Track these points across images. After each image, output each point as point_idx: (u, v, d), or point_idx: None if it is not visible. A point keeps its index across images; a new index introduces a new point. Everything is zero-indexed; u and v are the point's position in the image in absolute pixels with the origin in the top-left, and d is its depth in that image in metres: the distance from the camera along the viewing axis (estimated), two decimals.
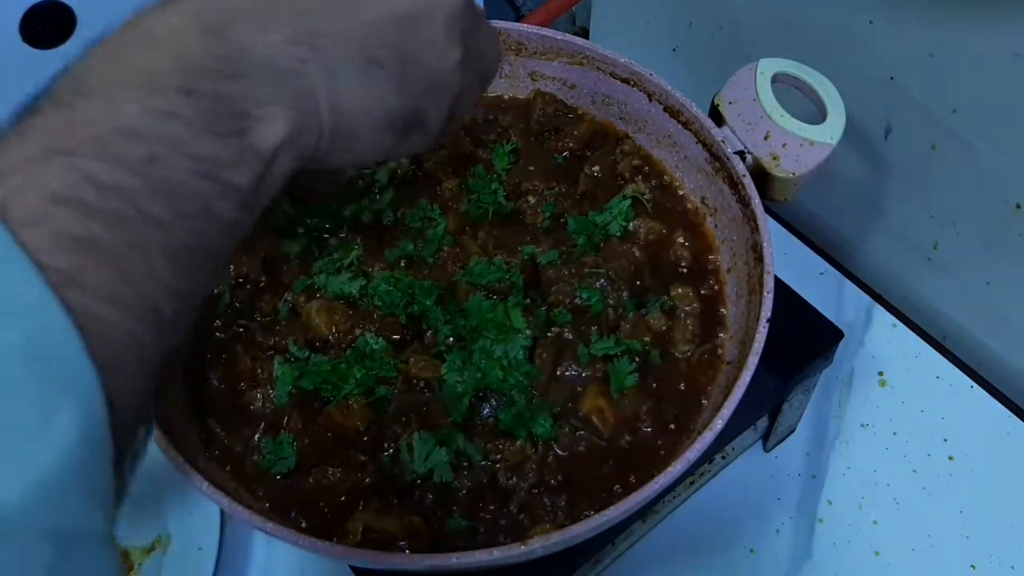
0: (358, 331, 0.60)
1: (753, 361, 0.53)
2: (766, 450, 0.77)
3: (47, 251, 0.28)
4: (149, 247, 0.31)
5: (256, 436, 0.57)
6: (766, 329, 0.55)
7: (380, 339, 0.59)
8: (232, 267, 0.63)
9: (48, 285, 0.28)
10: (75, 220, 0.29)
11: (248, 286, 0.63)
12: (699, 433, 0.52)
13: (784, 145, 0.64)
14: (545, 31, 0.71)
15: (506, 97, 0.75)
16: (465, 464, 0.56)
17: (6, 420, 0.26)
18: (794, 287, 0.69)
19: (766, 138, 0.64)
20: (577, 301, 0.62)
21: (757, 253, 0.60)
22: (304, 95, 0.36)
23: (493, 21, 0.71)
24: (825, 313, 0.69)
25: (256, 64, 0.35)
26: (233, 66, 0.34)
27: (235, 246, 0.37)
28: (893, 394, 0.80)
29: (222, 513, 0.73)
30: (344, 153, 0.40)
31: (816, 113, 0.66)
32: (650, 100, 0.69)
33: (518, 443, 0.56)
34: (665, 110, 0.68)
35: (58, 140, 0.30)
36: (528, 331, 0.59)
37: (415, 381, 0.59)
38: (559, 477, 0.56)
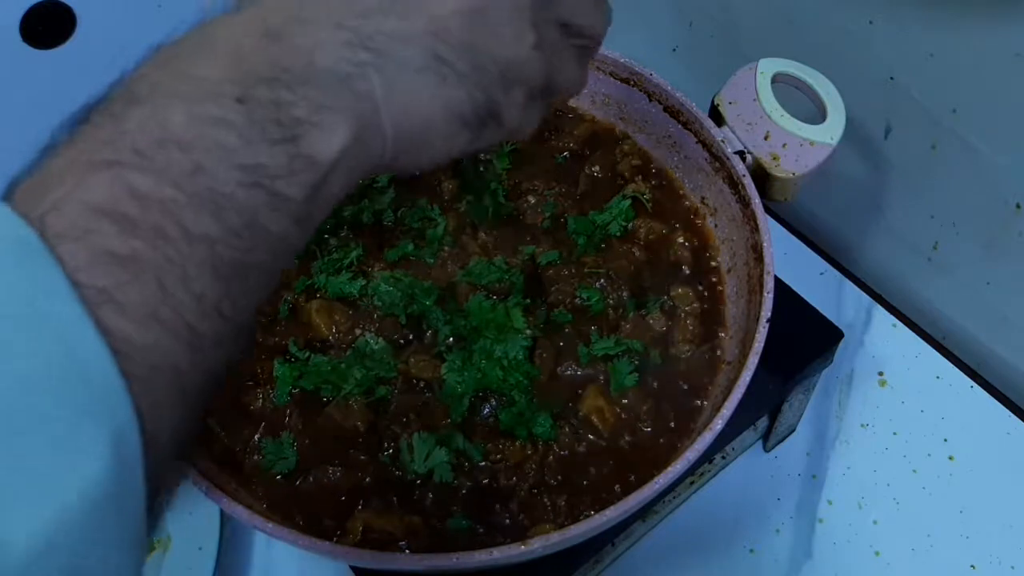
0: (358, 331, 0.60)
1: (753, 361, 0.53)
2: (766, 450, 0.77)
3: (84, 268, 0.27)
4: (193, 264, 0.29)
5: (256, 436, 0.57)
6: (766, 329, 0.55)
7: (380, 339, 0.59)
8: None
9: (82, 304, 0.26)
10: (115, 235, 0.28)
11: None
12: (699, 433, 0.52)
13: (784, 145, 0.64)
14: None
15: None
16: (465, 464, 0.56)
17: (30, 451, 0.25)
18: (794, 287, 0.69)
19: (766, 138, 0.64)
20: (577, 301, 0.62)
21: (757, 253, 0.60)
22: (366, 101, 0.34)
23: None
24: (825, 313, 0.69)
25: (317, 70, 0.33)
26: (292, 72, 0.33)
27: (290, 262, 0.35)
28: (893, 394, 0.80)
29: (222, 513, 0.73)
30: (414, 157, 0.38)
31: (816, 113, 0.66)
32: (650, 100, 0.69)
33: (518, 443, 0.56)
34: (665, 110, 0.68)
35: (103, 151, 0.29)
36: (528, 331, 0.59)
37: (415, 381, 0.59)
38: (559, 477, 0.56)
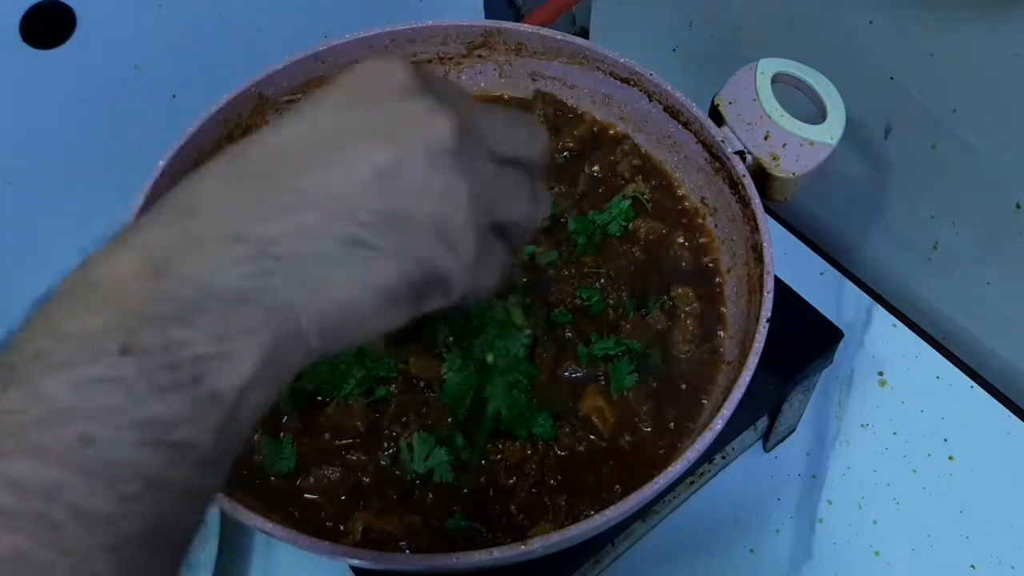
0: None
1: (753, 361, 0.53)
2: (766, 450, 0.77)
3: None
4: (88, 551, 0.26)
5: (256, 436, 0.57)
6: (766, 329, 0.55)
7: (380, 339, 0.59)
8: None
9: None
10: None
11: None
12: (699, 433, 0.52)
13: (784, 145, 0.64)
14: (545, 31, 0.71)
15: (506, 97, 0.75)
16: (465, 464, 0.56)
17: None
18: (794, 287, 0.69)
19: (766, 138, 0.64)
20: (577, 301, 0.62)
21: (757, 253, 0.60)
22: (278, 312, 0.31)
23: (493, 21, 0.72)
24: (825, 313, 0.69)
25: (213, 296, 0.30)
26: (185, 305, 0.29)
27: (206, 506, 0.31)
28: (893, 394, 0.80)
29: (222, 513, 0.73)
30: (347, 340, 0.34)
31: (816, 113, 0.66)
32: (650, 100, 0.69)
33: (518, 443, 0.56)
34: (665, 110, 0.68)
35: None
36: (528, 331, 0.59)
37: (415, 381, 0.59)
38: (559, 477, 0.56)
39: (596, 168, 0.70)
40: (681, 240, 0.66)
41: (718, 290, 0.65)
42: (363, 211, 0.32)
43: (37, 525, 0.26)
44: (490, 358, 0.58)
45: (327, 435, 0.57)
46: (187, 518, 0.30)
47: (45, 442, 0.27)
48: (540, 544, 0.48)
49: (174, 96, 0.79)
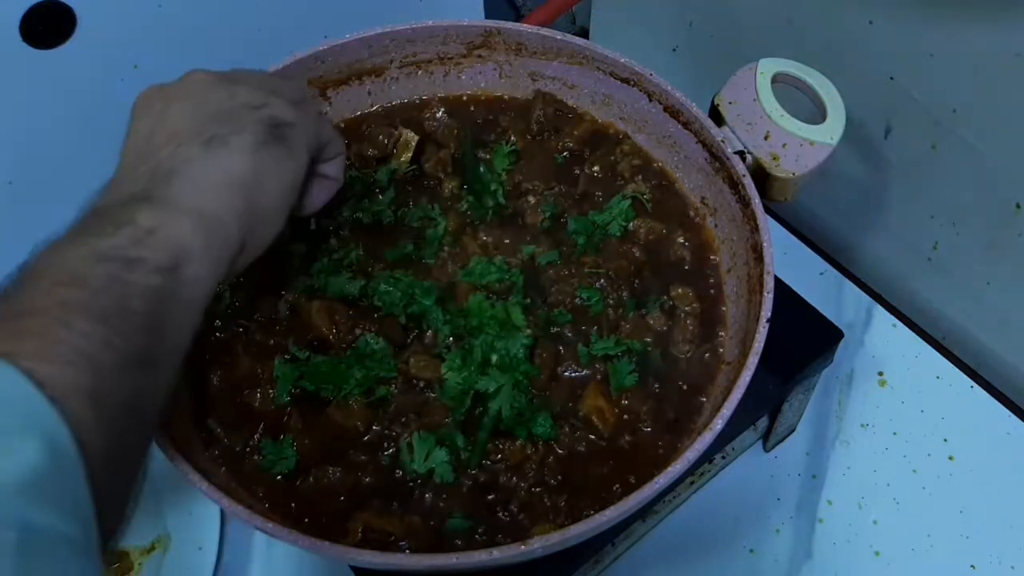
0: (358, 331, 0.60)
1: (753, 361, 0.53)
2: (766, 450, 0.77)
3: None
4: (75, 315, 0.38)
5: (256, 436, 0.57)
6: (766, 329, 0.55)
7: (380, 339, 0.59)
8: None
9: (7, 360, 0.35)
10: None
11: (248, 286, 0.63)
12: (699, 433, 0.52)
13: (784, 145, 0.64)
14: (545, 31, 0.71)
15: (506, 97, 0.75)
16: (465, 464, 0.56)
17: None
18: (794, 287, 0.69)
19: (766, 138, 0.64)
20: (577, 301, 0.62)
21: (757, 253, 0.60)
22: (181, 201, 0.45)
23: (493, 21, 0.72)
24: (825, 313, 0.69)
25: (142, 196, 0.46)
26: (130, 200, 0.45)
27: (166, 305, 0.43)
28: (893, 394, 0.80)
29: (222, 513, 0.73)
30: (266, 205, 0.50)
31: (816, 113, 0.66)
32: (650, 100, 0.69)
33: (518, 443, 0.56)
34: (665, 110, 0.68)
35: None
36: (528, 331, 0.59)
37: (415, 381, 0.59)
38: (559, 477, 0.56)
39: (596, 168, 0.70)
40: (681, 240, 0.66)
41: (718, 290, 0.65)
42: (199, 124, 0.48)
43: (57, 323, 0.38)
44: (494, 358, 0.58)
45: (327, 435, 0.57)
46: (146, 305, 0.41)
47: (23, 292, 0.39)
48: (540, 544, 0.48)
49: None
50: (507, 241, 0.66)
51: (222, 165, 0.47)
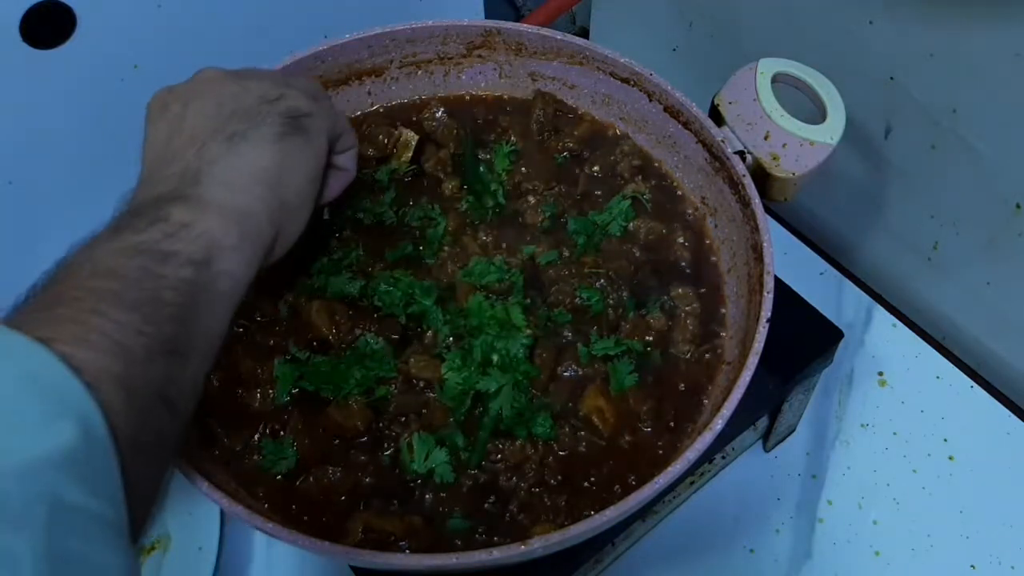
0: (358, 331, 0.60)
1: (753, 361, 0.53)
2: (766, 450, 0.77)
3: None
4: (106, 304, 0.39)
5: (256, 436, 0.57)
6: (766, 329, 0.55)
7: (380, 339, 0.59)
8: None
9: (30, 338, 0.36)
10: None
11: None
12: (699, 433, 0.52)
13: (784, 145, 0.64)
14: (545, 31, 0.71)
15: (506, 97, 0.75)
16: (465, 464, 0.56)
17: (11, 421, 0.33)
18: (794, 287, 0.69)
19: (766, 138, 0.64)
20: (577, 301, 0.62)
21: (757, 253, 0.60)
22: (215, 199, 0.47)
23: (493, 21, 0.72)
24: (825, 313, 0.69)
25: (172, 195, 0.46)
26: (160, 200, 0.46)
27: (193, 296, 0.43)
28: (893, 394, 0.80)
29: (222, 513, 0.73)
30: (293, 194, 0.51)
31: (816, 113, 0.66)
32: (650, 100, 0.69)
33: (518, 443, 0.56)
34: (665, 110, 0.68)
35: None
36: (528, 331, 0.59)
37: (415, 381, 0.59)
38: (559, 477, 0.56)
39: (596, 168, 0.70)
40: (681, 240, 0.66)
41: (718, 290, 0.65)
42: (218, 122, 0.49)
43: (86, 310, 0.39)
44: (494, 358, 0.58)
45: (327, 435, 0.57)
46: (174, 296, 0.42)
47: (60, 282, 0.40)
48: (540, 544, 0.48)
49: None
50: (507, 241, 0.66)
51: (247, 160, 0.48)
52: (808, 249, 0.90)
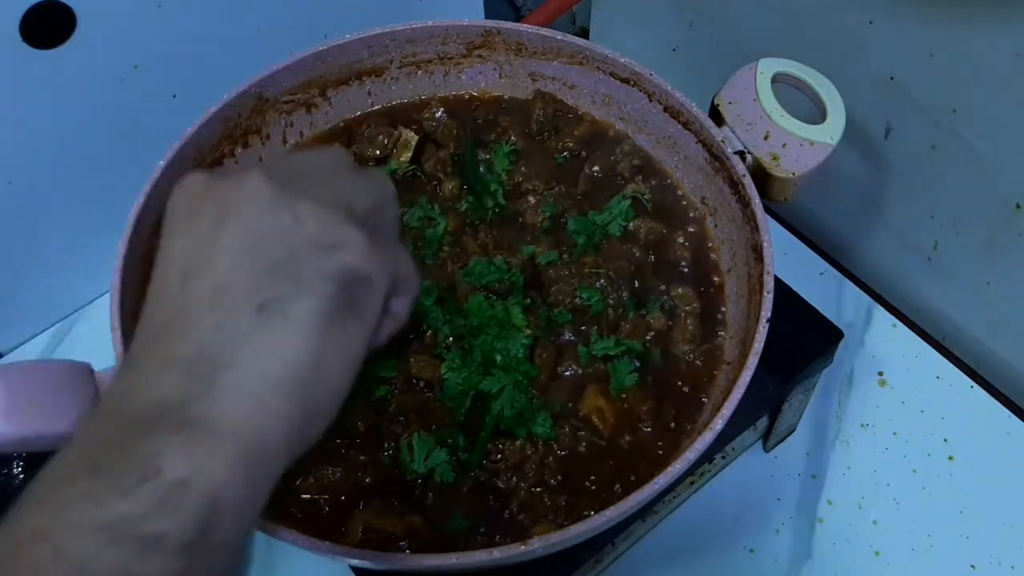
0: None
1: (753, 361, 0.53)
2: (766, 450, 0.77)
3: None
4: None
5: None
6: (766, 329, 0.55)
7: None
8: None
9: None
10: None
11: None
12: (699, 433, 0.52)
13: (784, 145, 0.64)
14: (545, 31, 0.71)
15: (506, 97, 0.75)
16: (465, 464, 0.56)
17: None
18: (794, 287, 0.69)
19: (766, 138, 0.64)
20: (577, 301, 0.62)
21: (757, 253, 0.60)
22: (226, 409, 0.34)
23: (493, 21, 0.72)
24: (825, 313, 0.69)
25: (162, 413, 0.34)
26: (142, 425, 0.33)
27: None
28: (893, 394, 0.80)
29: None
30: (323, 399, 0.38)
31: (816, 113, 0.66)
32: (650, 100, 0.69)
33: (518, 443, 0.56)
34: (665, 110, 0.68)
35: None
36: (528, 331, 0.59)
37: (415, 381, 0.59)
38: (559, 477, 0.56)
39: (596, 168, 0.70)
40: (681, 240, 0.66)
41: (718, 290, 0.65)
42: (253, 278, 0.36)
43: None
44: (497, 359, 0.58)
45: (326, 435, 0.57)
46: None
47: (19, 565, 0.30)
48: (540, 544, 0.48)
49: (174, 96, 0.79)
50: (507, 241, 0.66)
51: (278, 350, 0.36)
52: (808, 249, 0.89)
